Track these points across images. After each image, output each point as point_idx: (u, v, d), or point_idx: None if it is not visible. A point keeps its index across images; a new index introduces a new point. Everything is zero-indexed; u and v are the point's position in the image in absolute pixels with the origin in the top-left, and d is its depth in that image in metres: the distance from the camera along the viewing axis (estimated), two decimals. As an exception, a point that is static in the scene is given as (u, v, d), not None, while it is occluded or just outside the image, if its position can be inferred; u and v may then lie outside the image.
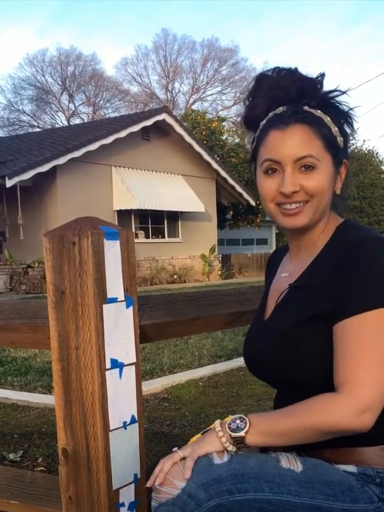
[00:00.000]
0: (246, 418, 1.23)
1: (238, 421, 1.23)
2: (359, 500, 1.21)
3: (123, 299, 1.49)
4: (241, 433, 1.22)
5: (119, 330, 1.48)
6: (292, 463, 1.23)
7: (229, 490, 1.16)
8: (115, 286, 1.47)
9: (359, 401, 1.16)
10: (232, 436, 1.22)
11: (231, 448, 1.23)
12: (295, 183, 1.30)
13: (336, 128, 1.33)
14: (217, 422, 1.27)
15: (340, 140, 1.34)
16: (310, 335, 1.27)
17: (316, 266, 1.34)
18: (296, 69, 1.37)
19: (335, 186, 1.36)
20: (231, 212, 25.35)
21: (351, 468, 1.26)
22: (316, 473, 1.22)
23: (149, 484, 1.25)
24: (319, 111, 1.33)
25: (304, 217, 1.33)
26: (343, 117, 1.36)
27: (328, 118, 1.33)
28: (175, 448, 1.26)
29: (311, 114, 1.32)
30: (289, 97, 1.34)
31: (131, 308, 1.51)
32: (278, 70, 1.36)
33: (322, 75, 1.36)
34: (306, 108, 1.33)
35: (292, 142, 1.30)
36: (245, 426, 1.22)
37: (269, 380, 1.44)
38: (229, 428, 1.23)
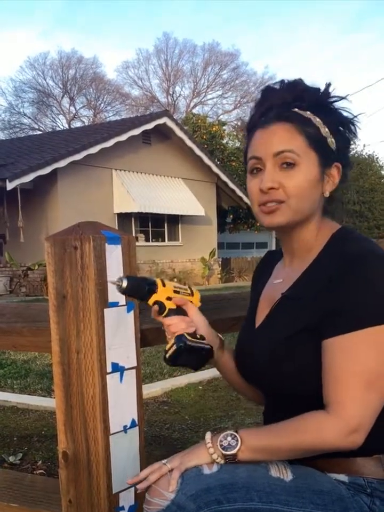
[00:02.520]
0: (238, 436, 1.22)
1: (229, 438, 1.23)
2: (349, 509, 1.21)
3: (124, 303, 1.50)
4: (233, 451, 1.21)
5: (120, 334, 1.49)
6: (281, 472, 1.23)
7: (218, 500, 1.16)
8: (116, 290, 1.47)
9: (349, 422, 1.16)
10: (223, 453, 1.22)
11: (221, 462, 1.23)
12: (273, 180, 1.28)
13: (326, 129, 1.30)
14: (208, 435, 1.27)
15: (331, 141, 1.31)
16: (301, 348, 1.26)
17: (309, 276, 1.32)
18: (300, 80, 1.35)
19: (323, 188, 1.32)
20: (231, 216, 25.36)
21: (343, 477, 1.25)
22: (306, 482, 1.22)
23: (139, 488, 1.25)
24: (308, 112, 1.31)
25: (280, 216, 1.30)
26: (341, 123, 1.34)
27: (318, 119, 1.30)
28: (164, 461, 1.26)
29: (296, 113, 1.31)
30: (284, 101, 1.34)
31: (132, 312, 1.52)
32: (283, 82, 1.35)
33: (328, 85, 1.34)
34: (295, 109, 1.32)
35: (272, 138, 1.29)
36: (236, 444, 1.22)
37: (259, 388, 1.44)
38: (221, 445, 1.23)
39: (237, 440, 1.22)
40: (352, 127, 1.35)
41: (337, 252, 1.28)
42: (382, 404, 1.20)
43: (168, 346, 1.37)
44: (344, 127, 1.35)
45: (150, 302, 1.37)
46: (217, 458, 1.22)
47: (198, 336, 1.37)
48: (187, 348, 1.34)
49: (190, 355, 1.36)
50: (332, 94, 1.35)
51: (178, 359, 1.36)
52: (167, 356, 1.36)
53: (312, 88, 1.34)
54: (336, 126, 1.33)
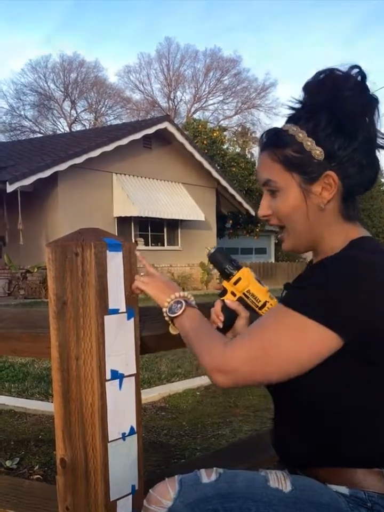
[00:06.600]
0: (183, 312, 1.40)
1: (178, 305, 1.41)
2: None
3: (124, 310, 1.49)
4: (172, 316, 1.41)
5: (120, 341, 1.49)
6: (280, 483, 1.22)
7: (215, 509, 1.16)
8: (117, 297, 1.47)
9: (225, 362, 1.22)
10: (168, 314, 1.42)
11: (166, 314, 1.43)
12: (265, 207, 1.35)
13: (310, 143, 1.26)
14: (179, 295, 1.44)
15: (316, 153, 1.26)
16: None
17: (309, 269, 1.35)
18: (331, 70, 1.28)
19: (317, 202, 1.28)
20: (231, 221, 25.35)
21: (343, 489, 1.24)
22: (305, 494, 1.21)
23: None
24: (295, 127, 1.28)
25: (287, 243, 1.36)
26: (335, 122, 1.26)
27: (301, 134, 1.27)
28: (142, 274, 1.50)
29: (276, 136, 1.31)
30: (302, 103, 1.32)
31: (132, 319, 1.52)
32: (318, 74, 1.30)
33: (353, 67, 1.28)
34: (284, 126, 1.31)
35: (258, 168, 1.36)
36: (178, 312, 1.40)
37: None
38: (170, 308, 1.42)
39: (181, 309, 1.40)
40: (346, 124, 1.26)
41: (338, 254, 1.26)
42: (259, 379, 1.24)
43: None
44: (339, 127, 1.27)
45: (223, 283, 1.49)
46: (165, 310, 1.43)
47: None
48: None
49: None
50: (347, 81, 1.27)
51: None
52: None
53: (319, 85, 1.29)
54: (334, 126, 1.26)
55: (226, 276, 1.47)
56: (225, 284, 1.49)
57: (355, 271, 1.18)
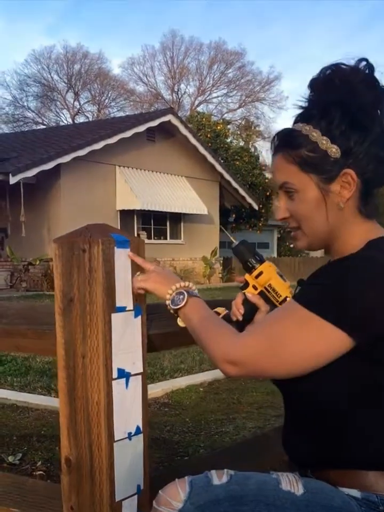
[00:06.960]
0: (186, 303, 1.37)
1: (181, 297, 1.39)
2: None
3: (132, 308, 1.47)
4: (175, 307, 1.39)
5: (127, 339, 1.46)
6: (292, 485, 1.21)
7: None
8: (124, 295, 1.45)
9: (236, 352, 1.22)
10: (171, 306, 1.40)
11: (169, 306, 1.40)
12: (283, 210, 1.33)
13: (325, 141, 1.23)
14: (180, 285, 1.41)
15: (332, 151, 1.23)
16: None
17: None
18: (337, 65, 1.26)
19: (336, 201, 1.26)
20: (234, 215, 25.33)
21: (355, 493, 1.22)
22: (317, 497, 1.20)
23: None
24: (308, 126, 1.25)
25: (300, 242, 1.35)
26: (349, 118, 1.24)
27: (315, 133, 1.24)
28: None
29: (289, 137, 1.28)
30: (311, 99, 1.29)
31: (139, 317, 1.49)
32: (324, 70, 1.27)
33: (361, 60, 1.26)
34: (296, 126, 1.28)
35: (274, 171, 1.33)
36: (181, 304, 1.38)
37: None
38: (172, 300, 1.40)
39: (183, 300, 1.37)
40: (360, 119, 1.24)
41: (355, 254, 1.24)
42: (267, 372, 1.24)
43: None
44: (353, 124, 1.24)
45: (245, 276, 1.49)
46: (168, 303, 1.41)
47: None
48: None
49: None
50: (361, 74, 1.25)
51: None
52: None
53: (328, 81, 1.26)
54: (348, 122, 1.23)
55: (248, 269, 1.48)
56: (247, 277, 1.49)
57: (372, 272, 1.16)
